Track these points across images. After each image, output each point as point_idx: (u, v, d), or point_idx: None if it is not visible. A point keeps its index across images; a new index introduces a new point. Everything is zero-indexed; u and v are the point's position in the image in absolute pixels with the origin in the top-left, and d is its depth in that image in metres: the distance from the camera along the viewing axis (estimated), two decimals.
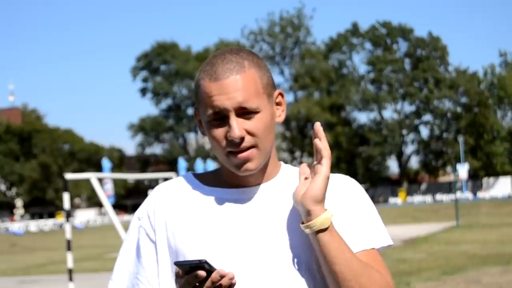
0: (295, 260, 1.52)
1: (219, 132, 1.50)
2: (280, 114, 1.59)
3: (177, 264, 1.39)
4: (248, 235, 1.53)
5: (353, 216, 1.57)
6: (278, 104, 1.59)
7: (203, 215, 1.56)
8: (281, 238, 1.53)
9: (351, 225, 1.55)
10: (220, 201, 1.57)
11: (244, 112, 1.49)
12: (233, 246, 1.52)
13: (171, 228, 1.57)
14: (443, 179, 75.97)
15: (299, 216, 1.53)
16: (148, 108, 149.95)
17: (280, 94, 1.60)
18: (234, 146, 1.49)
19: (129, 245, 1.62)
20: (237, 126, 1.48)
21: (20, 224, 62.74)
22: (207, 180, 1.63)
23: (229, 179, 1.59)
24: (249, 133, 1.49)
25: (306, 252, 1.52)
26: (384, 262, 1.56)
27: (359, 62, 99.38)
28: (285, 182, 1.60)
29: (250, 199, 1.57)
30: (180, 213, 1.57)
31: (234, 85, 1.48)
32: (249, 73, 1.51)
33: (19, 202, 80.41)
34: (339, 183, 1.61)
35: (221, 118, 1.50)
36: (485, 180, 68.07)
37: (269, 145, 1.54)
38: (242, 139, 1.49)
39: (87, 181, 14.25)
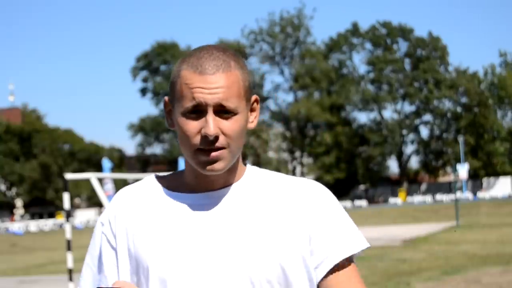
0: (257, 270, 1.47)
1: (193, 126, 1.46)
2: (253, 121, 1.55)
3: None
4: (212, 243, 1.48)
5: (327, 226, 1.53)
6: (252, 110, 1.55)
7: (164, 221, 1.51)
8: (246, 246, 1.48)
9: (327, 235, 1.52)
10: (183, 206, 1.52)
11: (222, 111, 1.45)
12: (195, 255, 1.47)
13: (132, 235, 1.51)
14: (443, 179, 75.94)
15: (266, 221, 1.50)
16: (148, 108, 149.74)
17: (256, 100, 1.56)
18: (206, 144, 1.45)
19: (93, 251, 1.59)
20: (213, 123, 1.44)
21: (20, 224, 62.82)
22: (171, 184, 1.57)
23: (194, 181, 1.54)
24: (223, 133, 1.46)
25: (270, 262, 1.47)
26: (360, 278, 1.55)
27: (359, 62, 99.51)
28: (251, 185, 1.56)
29: (215, 203, 1.52)
30: (141, 219, 1.52)
31: (218, 82, 1.45)
32: (234, 73, 1.47)
33: (19, 202, 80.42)
34: (307, 190, 1.56)
35: (198, 112, 1.46)
36: (485, 180, 68.07)
37: (239, 148, 1.50)
38: (216, 138, 1.45)
39: (87, 181, 14.28)
